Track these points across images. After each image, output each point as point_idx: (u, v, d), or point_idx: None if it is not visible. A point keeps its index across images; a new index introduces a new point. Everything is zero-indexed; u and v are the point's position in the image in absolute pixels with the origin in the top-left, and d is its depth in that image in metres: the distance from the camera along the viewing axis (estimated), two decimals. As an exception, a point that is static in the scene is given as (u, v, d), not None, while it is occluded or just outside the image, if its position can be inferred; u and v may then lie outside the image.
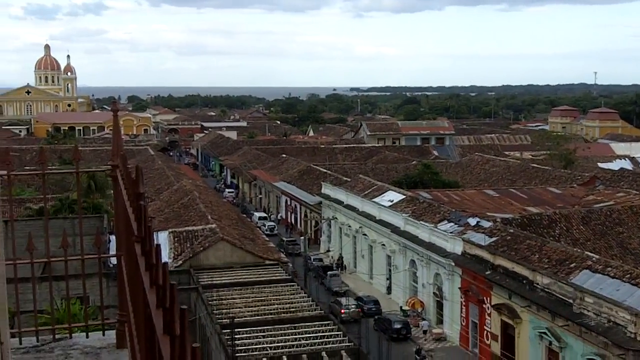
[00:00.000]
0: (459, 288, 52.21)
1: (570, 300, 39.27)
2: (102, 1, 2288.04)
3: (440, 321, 56.13)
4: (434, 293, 56.79)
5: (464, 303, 51.68)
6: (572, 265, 42.69)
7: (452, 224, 57.25)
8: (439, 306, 56.31)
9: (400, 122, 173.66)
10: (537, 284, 42.45)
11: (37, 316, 7.47)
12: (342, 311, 57.39)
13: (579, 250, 45.71)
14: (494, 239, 50.64)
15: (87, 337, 7.23)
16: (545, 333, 41.46)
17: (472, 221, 55.68)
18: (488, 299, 47.97)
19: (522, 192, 73.32)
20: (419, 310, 57.76)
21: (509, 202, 69.71)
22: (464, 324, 51.87)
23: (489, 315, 47.93)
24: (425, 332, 55.81)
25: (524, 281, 43.79)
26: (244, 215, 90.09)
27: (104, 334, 7.24)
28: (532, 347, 43.19)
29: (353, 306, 58.73)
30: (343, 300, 60.24)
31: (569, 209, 61.63)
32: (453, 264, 52.75)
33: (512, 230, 51.39)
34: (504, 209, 66.28)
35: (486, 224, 54.16)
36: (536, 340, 42.55)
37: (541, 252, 45.87)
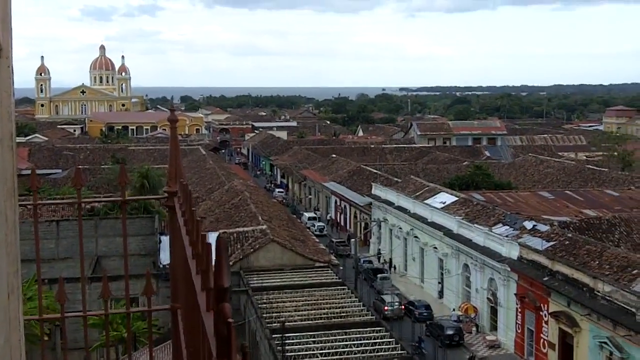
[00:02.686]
0: (515, 294, 50.76)
1: (633, 309, 37.77)
2: (157, 2, 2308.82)
3: (494, 327, 54.75)
4: (488, 298, 55.41)
5: (519, 310, 50.26)
6: (634, 272, 41.11)
7: (507, 227, 55.85)
8: (493, 312, 54.95)
9: (451, 122, 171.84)
10: (598, 291, 40.95)
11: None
12: (385, 308, 57.51)
13: (641, 257, 44.08)
14: (551, 243, 49.15)
15: None
16: (606, 343, 39.94)
17: (528, 225, 54.21)
18: (545, 306, 46.53)
19: (578, 195, 71.58)
20: (472, 316, 56.45)
21: (565, 204, 68.04)
22: (519, 331, 50.47)
23: (546, 322, 46.49)
24: (456, 321, 55.51)
25: (584, 288, 42.30)
26: (294, 215, 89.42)
27: None
28: (591, 356, 41.70)
29: (397, 303, 58.50)
30: (386, 297, 59.88)
31: (628, 212, 59.83)
32: (509, 269, 51.32)
33: (570, 235, 49.88)
34: (559, 211, 64.70)
35: (543, 228, 52.67)
36: (596, 350, 41.06)
37: (601, 258, 44.35)
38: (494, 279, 54.55)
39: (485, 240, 55.96)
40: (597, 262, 44.06)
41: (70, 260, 56.77)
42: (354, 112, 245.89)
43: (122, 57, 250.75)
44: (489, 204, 64.50)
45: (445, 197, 68.83)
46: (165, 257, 57.51)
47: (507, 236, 53.80)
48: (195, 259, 3.98)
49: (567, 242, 48.54)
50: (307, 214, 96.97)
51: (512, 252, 51.70)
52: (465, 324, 55.37)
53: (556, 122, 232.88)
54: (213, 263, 3.30)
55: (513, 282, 51.21)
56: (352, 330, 44.82)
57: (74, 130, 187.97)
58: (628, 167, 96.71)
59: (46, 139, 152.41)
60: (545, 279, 46.41)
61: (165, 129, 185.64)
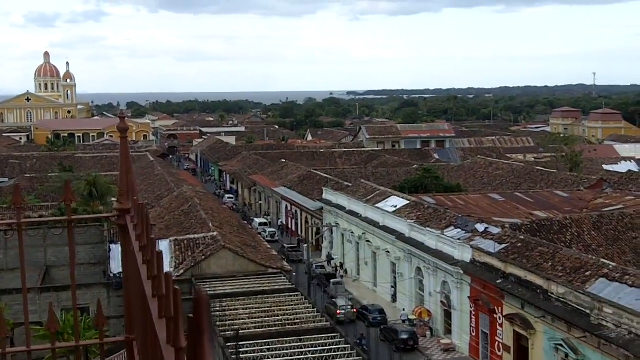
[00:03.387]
0: (469, 297, 50.75)
1: (588, 311, 37.87)
2: (101, 8, 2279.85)
3: (448, 331, 54.70)
4: (441, 302, 55.34)
5: (473, 312, 50.24)
6: (587, 273, 41.28)
7: (459, 230, 55.85)
8: (447, 315, 54.88)
9: (400, 125, 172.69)
10: (552, 293, 41.03)
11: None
12: (338, 312, 57.60)
13: (594, 258, 44.30)
14: (503, 245, 49.25)
15: None
16: (561, 345, 40.03)
17: (480, 227, 54.27)
18: (499, 308, 46.55)
19: (528, 196, 71.95)
20: (426, 320, 56.34)
21: (515, 206, 68.31)
22: (473, 334, 50.45)
23: (501, 325, 46.51)
24: (404, 321, 56.43)
25: (538, 290, 42.36)
26: (245, 221, 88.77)
27: None
28: (547, 358, 41.76)
29: (349, 307, 58.67)
30: (339, 301, 60.02)
31: (579, 213, 60.30)
32: (462, 272, 51.29)
33: (522, 237, 49.99)
34: (510, 213, 64.92)
35: (495, 230, 52.74)
36: (551, 352, 41.13)
37: (554, 260, 44.47)
38: (447, 282, 54.50)
39: (437, 244, 55.93)
40: (550, 264, 44.18)
41: (19, 270, 55.58)
42: (302, 116, 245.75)
43: (67, 63, 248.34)
44: (441, 207, 64.49)
45: (396, 201, 68.72)
46: (115, 266, 56.79)
47: (459, 239, 53.78)
48: (157, 300, 3.46)
49: (520, 244, 48.66)
50: (257, 220, 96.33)
51: (465, 255, 51.71)
52: (419, 328, 55.26)
53: (503, 124, 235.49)
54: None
55: (466, 285, 51.20)
56: (306, 337, 44.42)
57: (20, 139, 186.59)
58: (576, 167, 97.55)
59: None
60: (499, 281, 46.46)
61: (112, 136, 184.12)
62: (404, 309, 59.33)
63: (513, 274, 45.44)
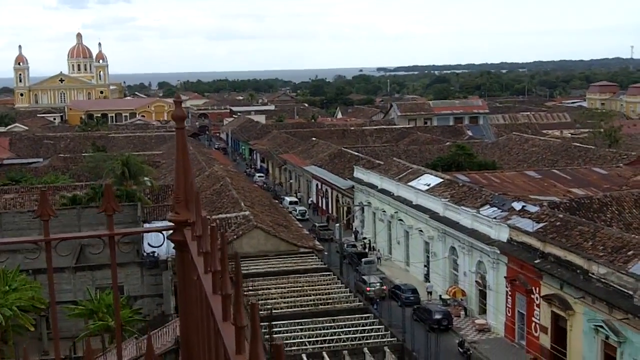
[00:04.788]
0: (505, 277, 49.60)
1: (630, 292, 36.63)
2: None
3: (483, 311, 53.66)
4: (476, 282, 54.27)
5: (509, 293, 49.13)
6: (629, 253, 39.97)
7: (495, 208, 54.63)
8: (482, 295, 53.84)
9: (432, 101, 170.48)
10: (593, 273, 39.78)
11: None
12: (367, 289, 57.15)
13: (636, 237, 42.90)
14: (541, 224, 47.99)
15: None
16: (601, 326, 38.84)
17: (517, 205, 52.99)
18: (537, 289, 45.40)
19: (566, 173, 70.52)
20: (460, 299, 55.36)
21: (552, 183, 66.97)
22: (509, 314, 49.38)
23: (538, 306, 45.38)
24: (430, 293, 57.59)
25: (578, 271, 41.13)
26: (275, 200, 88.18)
27: None
28: (586, 340, 40.64)
29: (378, 284, 58.35)
30: (369, 278, 59.66)
31: (618, 190, 58.75)
32: (498, 251, 50.14)
33: (561, 216, 48.66)
34: (547, 191, 63.65)
35: (532, 209, 51.47)
36: (591, 334, 39.99)
37: (595, 239, 43.19)
38: (482, 262, 53.40)
39: (472, 223, 54.77)
40: (591, 243, 42.92)
41: (56, 249, 55.70)
42: (332, 94, 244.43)
43: (99, 44, 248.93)
44: (475, 185, 63.27)
45: (430, 179, 67.57)
46: (148, 246, 56.83)
47: (495, 218, 52.58)
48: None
49: (559, 223, 47.37)
50: (288, 199, 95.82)
51: (502, 234, 50.50)
52: (453, 308, 54.35)
53: (538, 99, 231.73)
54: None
55: (503, 265, 50.05)
56: (339, 317, 43.86)
57: (54, 119, 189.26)
58: (615, 143, 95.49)
59: (26, 128, 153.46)
60: (537, 261, 45.24)
61: (144, 116, 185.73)
62: (428, 281, 59.15)
63: (552, 253, 44.22)
